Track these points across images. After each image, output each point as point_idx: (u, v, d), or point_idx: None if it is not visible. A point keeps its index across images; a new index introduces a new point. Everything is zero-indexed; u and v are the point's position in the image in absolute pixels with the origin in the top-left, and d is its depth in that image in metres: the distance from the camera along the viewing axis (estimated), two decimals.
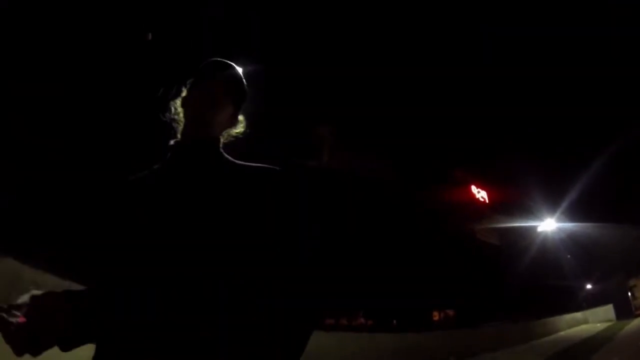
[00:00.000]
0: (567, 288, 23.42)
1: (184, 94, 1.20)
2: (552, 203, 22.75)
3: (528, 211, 23.45)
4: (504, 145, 22.58)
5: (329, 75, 14.63)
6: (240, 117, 1.23)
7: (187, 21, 9.70)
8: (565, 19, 18.76)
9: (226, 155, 1.13)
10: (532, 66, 21.92)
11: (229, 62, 1.21)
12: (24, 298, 0.89)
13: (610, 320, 20.16)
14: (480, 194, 23.42)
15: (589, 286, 25.44)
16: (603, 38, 18.75)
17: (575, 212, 22.66)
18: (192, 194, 0.99)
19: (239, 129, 1.23)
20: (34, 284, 6.16)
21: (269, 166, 1.08)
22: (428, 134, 21.14)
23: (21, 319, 0.84)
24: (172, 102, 1.21)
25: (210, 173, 1.05)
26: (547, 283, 21.92)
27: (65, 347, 0.91)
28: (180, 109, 1.19)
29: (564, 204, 22.25)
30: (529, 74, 22.03)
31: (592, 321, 21.04)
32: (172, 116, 1.20)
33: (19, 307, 0.86)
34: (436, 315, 18.40)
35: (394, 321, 15.71)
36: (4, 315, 0.83)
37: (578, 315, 21.49)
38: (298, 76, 12.56)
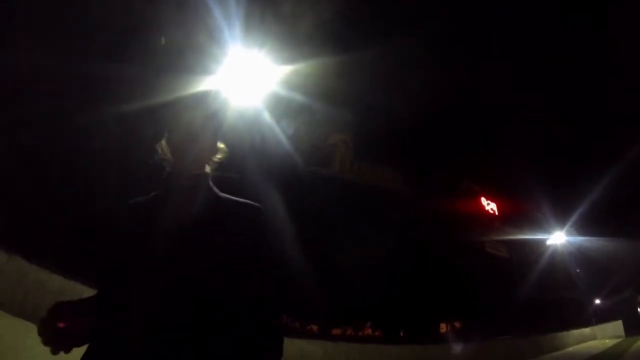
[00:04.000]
0: (576, 303, 23.13)
1: (167, 134, 1.27)
2: (561, 216, 22.67)
3: (537, 224, 23.33)
4: (513, 156, 22.43)
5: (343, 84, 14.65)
6: (221, 145, 1.33)
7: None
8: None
9: (215, 190, 1.27)
10: (541, 75, 21.83)
11: (202, 92, 1.32)
12: (50, 305, 1.07)
13: (619, 337, 19.84)
14: (490, 206, 23.35)
15: (598, 301, 25.15)
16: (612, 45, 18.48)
17: (584, 226, 22.54)
18: (187, 225, 1.14)
19: (221, 155, 1.33)
20: (37, 283, 6.34)
21: (247, 202, 1.26)
22: (438, 145, 21.18)
23: (61, 324, 1.03)
24: (158, 145, 1.29)
25: (203, 207, 1.19)
26: (556, 297, 21.68)
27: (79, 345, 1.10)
28: (166, 149, 1.27)
29: (574, 217, 22.14)
30: (538, 84, 21.87)
31: (601, 337, 20.71)
32: (161, 156, 1.28)
33: (52, 314, 1.05)
34: (444, 328, 18.36)
35: (401, 333, 15.73)
36: (47, 321, 1.03)
37: (587, 330, 21.13)
38: (313, 84, 12.59)
